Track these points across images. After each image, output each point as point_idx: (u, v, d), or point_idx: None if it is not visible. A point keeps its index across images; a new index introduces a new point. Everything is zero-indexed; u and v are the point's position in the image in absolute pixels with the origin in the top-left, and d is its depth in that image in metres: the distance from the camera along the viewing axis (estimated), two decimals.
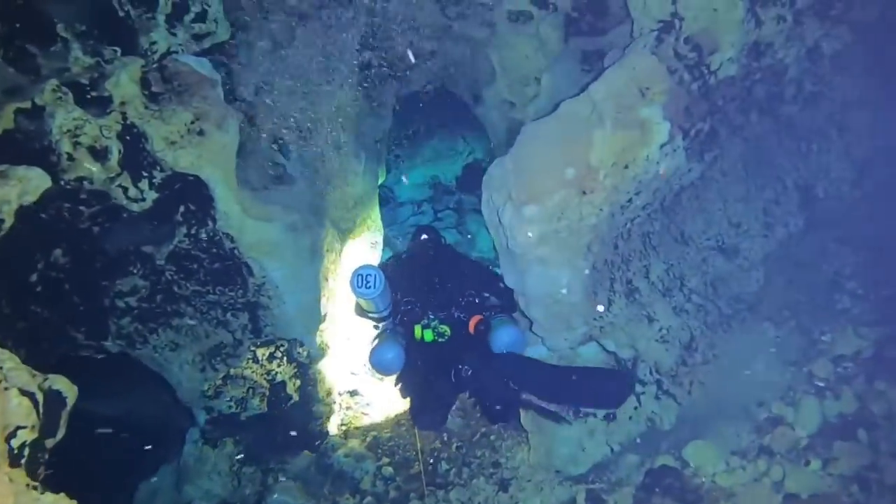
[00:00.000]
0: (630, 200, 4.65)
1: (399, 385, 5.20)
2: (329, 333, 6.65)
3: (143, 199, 4.76)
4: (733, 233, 5.69)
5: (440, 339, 5.09)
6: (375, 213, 8.18)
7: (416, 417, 5.14)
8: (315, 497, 6.14)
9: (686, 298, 5.48)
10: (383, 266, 5.69)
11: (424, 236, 6.12)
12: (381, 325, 5.49)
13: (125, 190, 4.65)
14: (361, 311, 5.38)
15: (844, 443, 4.36)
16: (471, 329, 5.10)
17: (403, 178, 12.49)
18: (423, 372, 4.99)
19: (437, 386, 4.90)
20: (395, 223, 12.58)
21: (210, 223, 5.04)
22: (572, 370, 4.98)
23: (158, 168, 4.72)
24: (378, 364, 4.95)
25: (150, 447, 6.77)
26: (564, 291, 4.64)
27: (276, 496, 6.00)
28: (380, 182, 8.82)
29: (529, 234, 4.38)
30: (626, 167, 4.41)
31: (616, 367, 5.33)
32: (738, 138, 5.54)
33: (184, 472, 6.23)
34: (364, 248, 7.77)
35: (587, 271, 4.71)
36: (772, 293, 5.74)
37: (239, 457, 6.33)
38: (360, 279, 4.85)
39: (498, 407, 4.82)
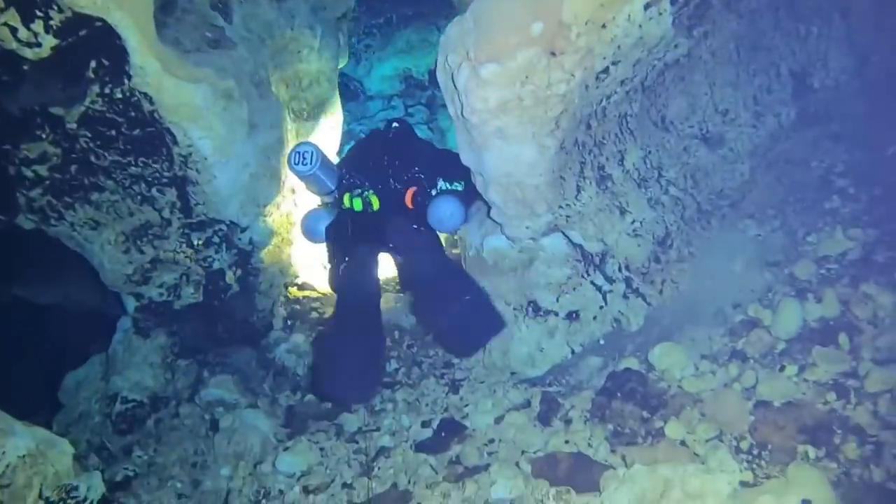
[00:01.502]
0: (606, 70, 4.05)
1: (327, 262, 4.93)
2: (280, 221, 6.10)
3: (39, 45, 4.07)
4: (719, 120, 5.13)
5: (369, 210, 4.78)
6: (335, 99, 7.50)
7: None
8: (253, 393, 5.72)
9: (663, 190, 4.96)
10: (344, 155, 5.56)
11: (395, 125, 5.55)
12: None
13: (13, 31, 3.95)
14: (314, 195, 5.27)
15: (823, 348, 3.94)
16: (408, 202, 4.69)
17: None
18: (349, 239, 4.66)
19: (358, 253, 4.46)
20: (365, 118, 11.97)
21: (125, 80, 4.37)
22: (469, 288, 4.58)
23: (55, 6, 4.01)
24: (305, 230, 4.99)
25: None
26: (526, 169, 4.08)
27: (210, 390, 5.56)
28: (341, 65, 8.11)
29: (487, 100, 3.78)
30: (604, 26, 3.78)
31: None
32: (733, 14, 4.91)
33: (112, 362, 5.77)
34: (322, 133, 7.12)
35: (554, 150, 4.15)
36: (756, 190, 5.23)
37: (173, 348, 5.87)
38: (296, 156, 4.86)
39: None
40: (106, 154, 4.71)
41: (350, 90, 11.64)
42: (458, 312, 4.50)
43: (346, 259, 4.45)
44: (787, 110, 5.38)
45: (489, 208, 4.75)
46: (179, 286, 5.62)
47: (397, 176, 5.05)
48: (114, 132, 4.61)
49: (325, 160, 4.97)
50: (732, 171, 5.17)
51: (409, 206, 4.89)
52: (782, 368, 3.98)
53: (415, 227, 4.83)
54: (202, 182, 4.86)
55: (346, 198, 4.91)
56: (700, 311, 4.69)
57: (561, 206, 4.61)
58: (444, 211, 4.81)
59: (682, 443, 3.86)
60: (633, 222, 4.82)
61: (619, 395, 4.34)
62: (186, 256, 5.48)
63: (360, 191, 4.91)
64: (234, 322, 6.07)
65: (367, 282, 4.55)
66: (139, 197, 4.99)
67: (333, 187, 5.11)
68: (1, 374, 6.63)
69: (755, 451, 3.64)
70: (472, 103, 3.86)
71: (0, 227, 5.12)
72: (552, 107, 3.89)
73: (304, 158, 4.83)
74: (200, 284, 5.70)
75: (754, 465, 3.58)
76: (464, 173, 4.71)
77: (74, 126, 4.54)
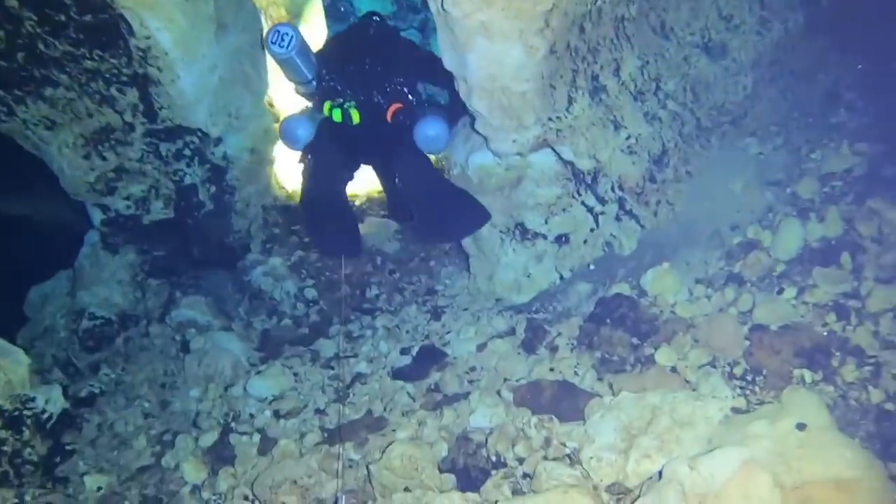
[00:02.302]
0: None
1: (301, 163, 4.77)
2: (258, 136, 5.73)
3: None
4: (723, 27, 4.71)
5: (349, 123, 4.58)
6: (315, 7, 7.07)
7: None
8: (227, 315, 5.48)
9: (661, 104, 4.60)
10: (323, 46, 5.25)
11: (376, 18, 5.15)
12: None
13: None
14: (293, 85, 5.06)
15: (824, 269, 3.66)
16: (388, 118, 4.54)
17: None
18: (329, 151, 4.43)
19: (334, 165, 4.26)
20: None
21: None
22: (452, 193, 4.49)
23: None
24: (284, 134, 4.76)
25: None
26: (513, 73, 3.73)
27: (182, 310, 5.31)
28: None
29: None
30: None
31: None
32: None
33: (78, 276, 5.52)
34: None
35: (543, 52, 3.79)
36: (759, 105, 4.86)
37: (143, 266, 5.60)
38: (274, 34, 4.57)
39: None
40: (56, 43, 4.32)
41: (340, 11, 11.10)
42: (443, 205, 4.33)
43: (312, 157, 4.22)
44: (796, 16, 4.94)
45: (473, 119, 4.41)
46: (148, 199, 5.31)
47: (379, 86, 4.74)
48: (62, 17, 4.21)
49: (303, 45, 4.68)
50: (735, 83, 4.79)
51: (390, 121, 4.63)
52: (781, 291, 3.72)
53: (396, 146, 4.59)
54: (164, 82, 4.50)
55: (325, 106, 4.63)
56: (696, 234, 4.40)
57: (550, 118, 4.27)
58: (430, 132, 4.58)
59: (673, 369, 3.62)
60: (627, 138, 4.48)
61: (608, 321, 4.09)
62: (154, 168, 5.16)
63: (340, 100, 4.63)
64: (209, 243, 5.78)
65: (332, 176, 4.40)
66: (97, 96, 4.63)
67: (311, 77, 4.83)
68: None
69: (749, 377, 3.40)
70: None
71: None
72: (541, 0, 3.51)
73: (283, 40, 4.54)
74: (171, 199, 5.39)
75: (747, 391, 3.34)
76: (447, 80, 4.38)
77: (16, 5, 4.14)
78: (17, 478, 3.98)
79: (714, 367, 3.53)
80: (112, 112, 4.71)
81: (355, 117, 4.52)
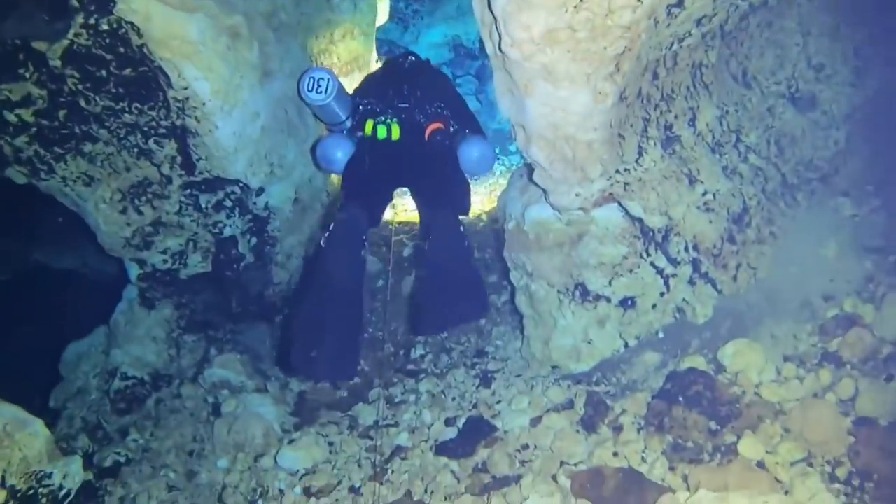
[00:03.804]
0: (681, 2, 3.27)
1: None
2: (301, 184, 5.45)
3: None
4: (812, 77, 4.29)
5: (389, 139, 4.14)
6: (371, 57, 6.85)
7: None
8: (262, 375, 5.13)
9: (741, 157, 4.17)
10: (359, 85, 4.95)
11: (412, 58, 4.87)
12: None
13: None
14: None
15: None
16: (426, 136, 4.16)
17: None
18: (367, 174, 4.09)
19: (348, 217, 3.83)
20: None
21: (111, 8, 3.76)
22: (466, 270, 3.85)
23: None
24: (322, 156, 4.33)
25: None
26: (578, 121, 3.34)
27: (215, 370, 4.99)
28: (381, 22, 7.45)
29: (531, 27, 3.04)
30: None
31: None
32: None
33: (113, 334, 5.26)
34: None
35: (613, 99, 3.39)
36: (852, 162, 4.39)
37: (180, 322, 5.33)
38: (311, 82, 4.30)
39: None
40: (96, 98, 4.15)
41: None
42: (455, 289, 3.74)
43: (331, 227, 3.77)
44: (894, 69, 4.49)
45: (530, 171, 4.03)
46: (185, 253, 5.05)
47: (420, 107, 4.40)
48: (103, 72, 4.04)
49: (340, 89, 4.44)
50: (825, 138, 4.33)
51: (427, 139, 4.23)
52: (890, 378, 3.19)
53: (436, 167, 4.18)
54: (202, 132, 4.23)
55: (368, 125, 4.25)
56: (783, 303, 3.91)
57: (618, 171, 3.87)
58: (474, 153, 4.16)
59: (761, 464, 3.13)
60: (704, 194, 4.04)
61: (681, 399, 3.62)
62: (192, 220, 4.90)
63: (382, 118, 4.27)
64: (248, 296, 5.49)
65: (351, 255, 3.76)
66: (135, 149, 4.43)
67: (345, 117, 4.55)
68: (9, 342, 6.24)
69: (855, 482, 2.88)
70: (512, 32, 3.12)
71: None
72: (613, 42, 3.13)
73: (319, 86, 4.30)
74: (209, 252, 5.12)
75: (854, 500, 2.82)
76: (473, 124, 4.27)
77: (59, 64, 3.98)
78: None
79: (811, 465, 3.05)
80: (149, 165, 4.51)
81: (395, 133, 4.15)
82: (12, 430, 3.74)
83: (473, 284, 3.80)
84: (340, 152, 4.22)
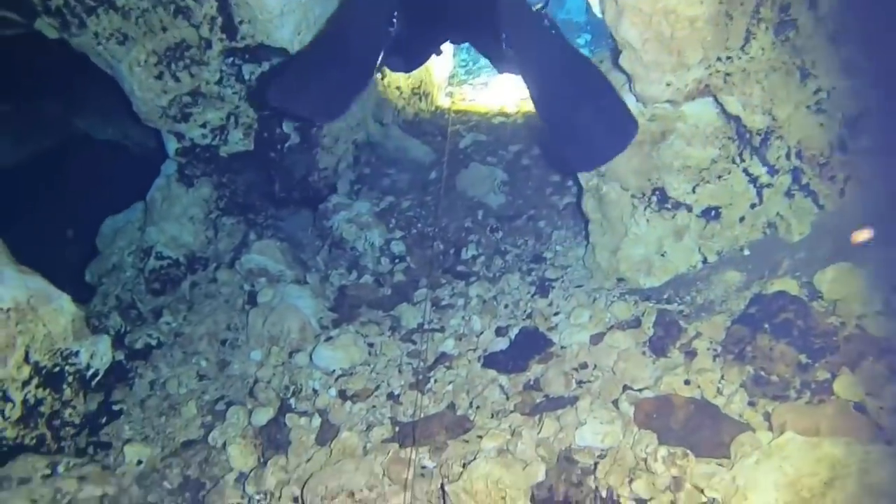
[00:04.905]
0: None
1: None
2: None
3: None
4: None
5: None
6: None
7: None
8: (303, 265, 4.83)
9: (866, 53, 3.50)
10: None
11: None
12: None
13: None
14: None
15: None
16: None
17: None
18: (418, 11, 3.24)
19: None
20: None
21: None
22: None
23: None
24: None
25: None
26: None
27: (252, 256, 4.69)
28: None
29: None
30: None
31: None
32: None
33: (150, 210, 5.00)
34: None
35: None
36: None
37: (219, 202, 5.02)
38: None
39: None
40: None
41: None
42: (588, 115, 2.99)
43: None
44: None
45: (615, 56, 3.46)
46: (226, 128, 4.70)
47: None
48: None
49: None
50: None
51: None
52: None
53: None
54: None
55: None
56: None
57: (720, 58, 3.29)
58: None
59: (860, 407, 2.70)
60: (817, 91, 3.44)
61: (766, 326, 3.19)
62: (234, 92, 4.50)
63: None
64: (292, 180, 5.14)
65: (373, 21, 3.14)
66: (172, 6, 4.02)
67: None
68: (49, 211, 6.09)
69: None
70: None
71: (22, 31, 4.29)
72: None
73: None
74: (252, 129, 4.76)
75: None
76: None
77: None
78: (55, 441, 3.50)
79: None
80: (187, 25, 4.12)
81: None
82: (36, 304, 3.52)
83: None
84: None
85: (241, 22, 4.01)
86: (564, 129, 3.00)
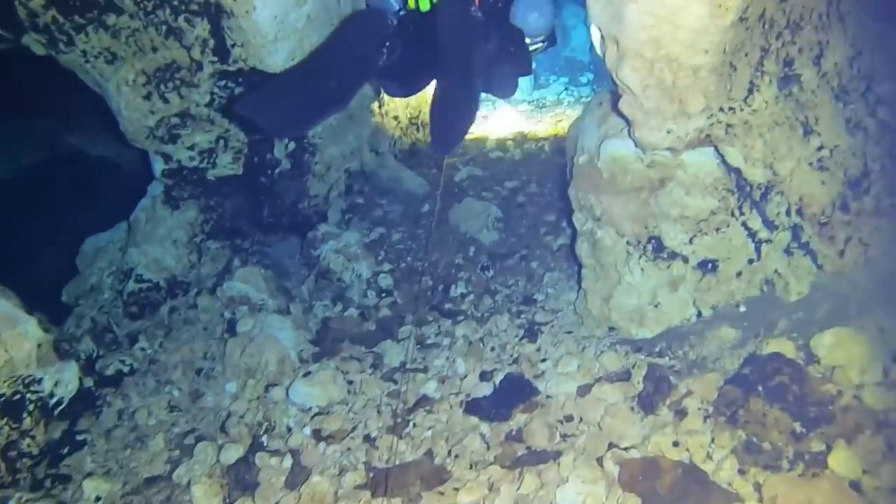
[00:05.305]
0: None
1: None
2: None
3: None
4: None
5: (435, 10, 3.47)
6: None
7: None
8: (285, 294, 4.69)
9: (869, 110, 3.44)
10: None
11: None
12: None
13: None
14: None
15: None
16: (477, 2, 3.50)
17: None
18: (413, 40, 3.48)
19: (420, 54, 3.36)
20: None
21: None
22: None
23: None
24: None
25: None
26: (688, 38, 2.65)
27: (234, 283, 4.55)
28: None
29: None
30: None
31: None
32: None
33: (133, 231, 4.87)
34: None
35: (733, 16, 2.70)
36: None
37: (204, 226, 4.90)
38: None
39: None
40: None
41: None
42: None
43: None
44: None
45: (616, 99, 3.36)
46: (215, 151, 4.59)
47: None
48: None
49: None
50: None
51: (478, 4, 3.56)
52: None
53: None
54: (238, 12, 3.67)
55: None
56: None
57: (722, 109, 3.19)
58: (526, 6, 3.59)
59: (855, 486, 2.59)
60: (820, 149, 3.34)
61: (760, 389, 3.08)
62: (224, 116, 4.39)
63: None
64: (281, 206, 5.02)
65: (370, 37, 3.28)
66: (163, 26, 3.92)
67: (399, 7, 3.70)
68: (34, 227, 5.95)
69: None
70: None
71: (9, 47, 4.18)
72: None
73: None
74: (242, 153, 4.65)
75: None
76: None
77: None
78: (10, 473, 3.35)
79: None
80: (178, 46, 4.02)
81: (424, 4, 3.54)
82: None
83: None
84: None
85: (233, 45, 3.92)
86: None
